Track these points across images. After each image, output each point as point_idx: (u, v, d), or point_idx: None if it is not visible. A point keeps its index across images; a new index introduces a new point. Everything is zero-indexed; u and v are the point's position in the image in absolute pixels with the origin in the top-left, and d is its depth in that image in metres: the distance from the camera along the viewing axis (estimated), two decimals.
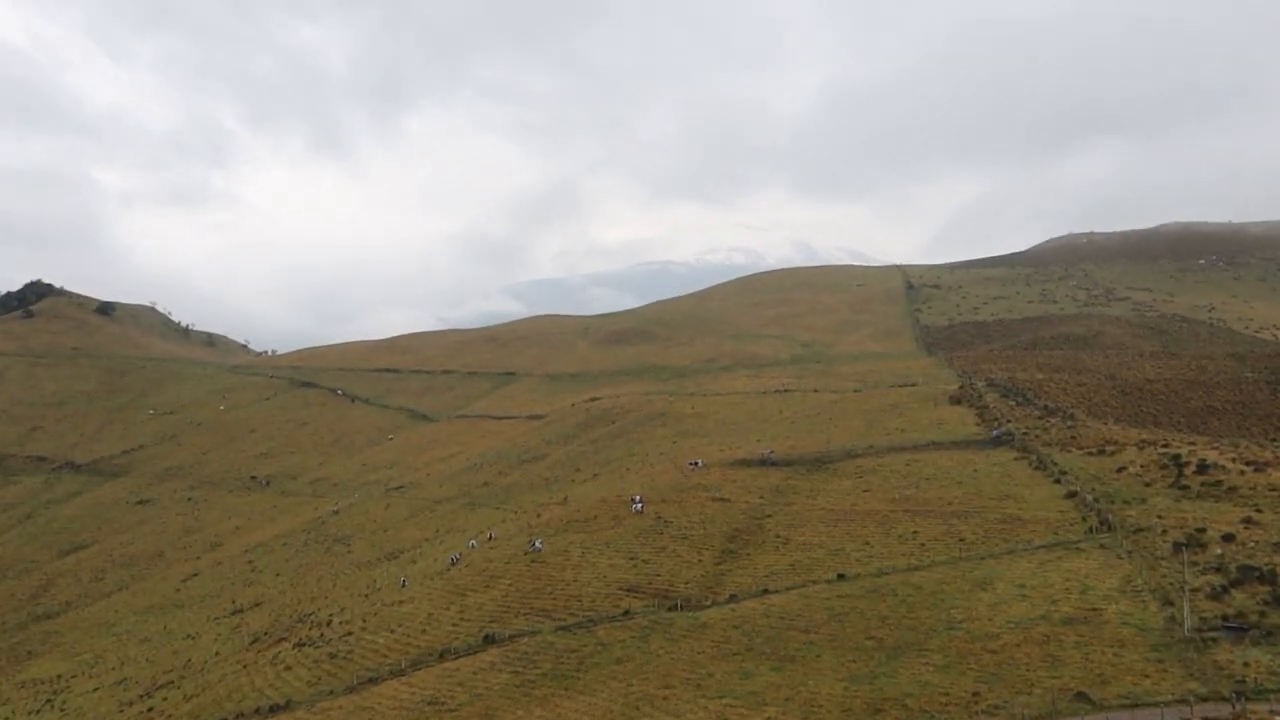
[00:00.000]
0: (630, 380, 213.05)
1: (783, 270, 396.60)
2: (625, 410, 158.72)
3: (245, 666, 78.99)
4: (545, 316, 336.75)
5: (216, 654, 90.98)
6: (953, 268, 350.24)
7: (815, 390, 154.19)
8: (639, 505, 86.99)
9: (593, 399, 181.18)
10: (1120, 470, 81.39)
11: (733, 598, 64.82)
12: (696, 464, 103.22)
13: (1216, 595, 52.96)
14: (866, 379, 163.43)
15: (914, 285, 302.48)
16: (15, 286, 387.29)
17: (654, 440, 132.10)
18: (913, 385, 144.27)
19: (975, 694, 45.81)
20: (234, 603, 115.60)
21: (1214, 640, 48.56)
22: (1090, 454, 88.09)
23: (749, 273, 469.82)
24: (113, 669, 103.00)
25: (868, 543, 71.72)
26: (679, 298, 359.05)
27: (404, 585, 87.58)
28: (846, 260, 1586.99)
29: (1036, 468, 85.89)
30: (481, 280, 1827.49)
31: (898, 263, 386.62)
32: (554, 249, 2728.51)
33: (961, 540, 69.47)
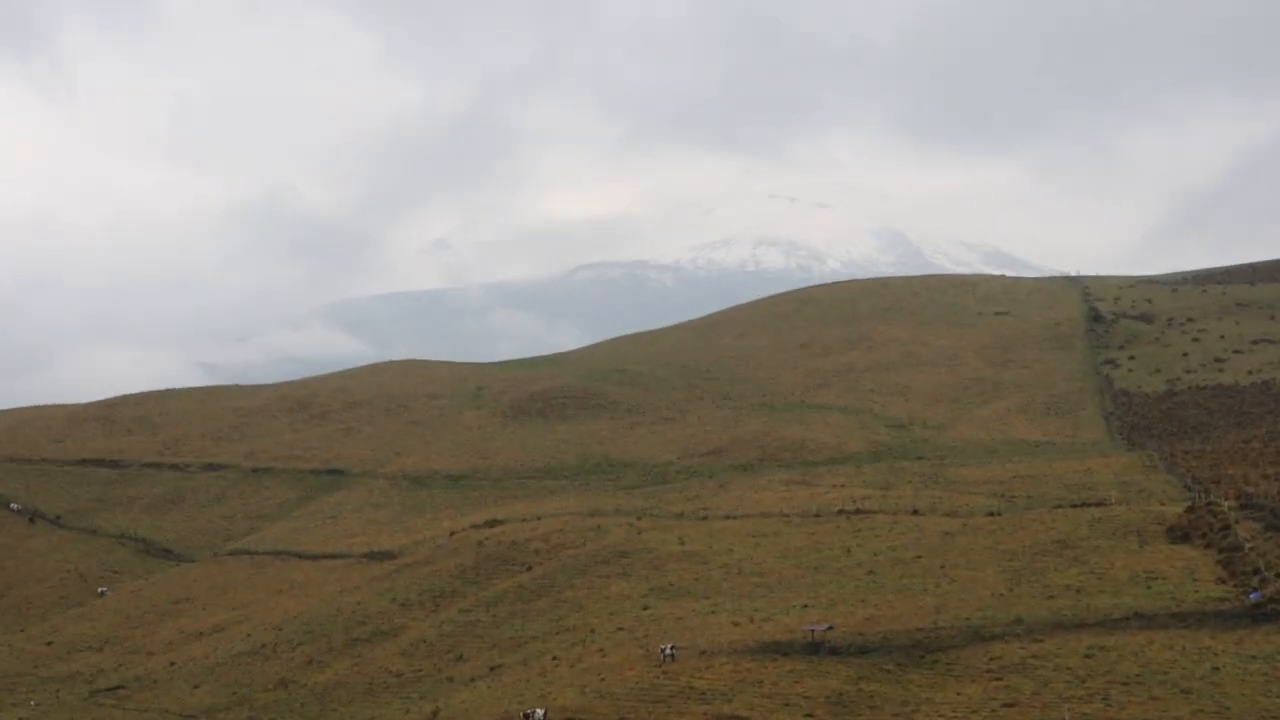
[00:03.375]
0: (563, 488, 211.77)
1: (857, 283, 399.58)
2: (553, 545, 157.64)
3: None
4: (406, 364, 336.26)
5: None
6: (1178, 283, 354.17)
7: (914, 512, 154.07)
8: None
9: (491, 523, 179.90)
10: None
11: None
12: (668, 652, 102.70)
13: None
14: (1011, 491, 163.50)
15: (1103, 316, 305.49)
16: None
17: (606, 603, 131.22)
18: (1099, 505, 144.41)
19: None
20: None
21: None
22: None
23: (794, 285, 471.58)
24: None
25: None
26: (660, 330, 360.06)
27: None
28: (977, 266, 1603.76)
29: None
30: (287, 294, 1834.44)
31: (1074, 272, 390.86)
32: (431, 235, 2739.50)
33: None
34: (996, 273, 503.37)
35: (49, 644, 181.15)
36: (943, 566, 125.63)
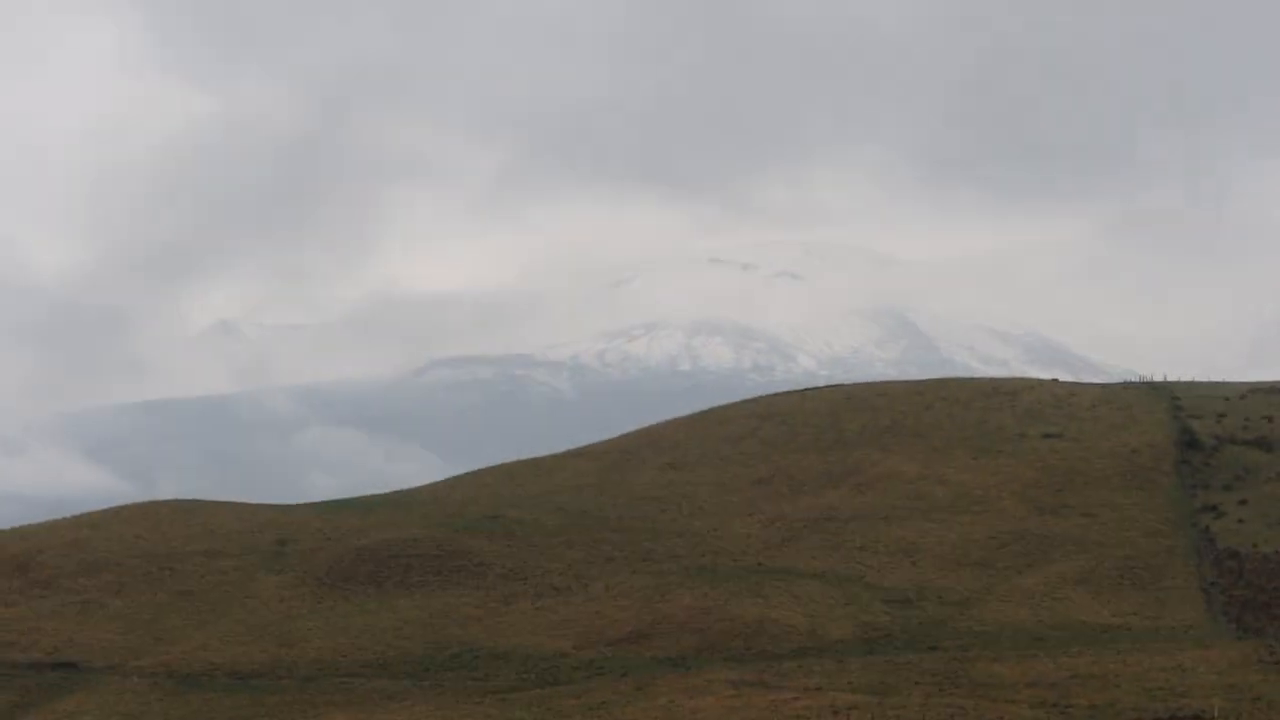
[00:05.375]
0: (406, 691, 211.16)
1: (842, 389, 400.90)
2: None
3: None
4: (174, 506, 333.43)
5: None
6: None
7: None
8: None
9: None
10: None
11: None
12: None
13: None
14: (1068, 699, 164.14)
15: (1201, 440, 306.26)
16: None
17: None
18: (1199, 719, 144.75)
19: None
20: None
21: None
22: None
23: (749, 392, 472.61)
24: None
25: None
26: (551, 458, 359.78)
27: None
28: (1018, 366, 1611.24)
29: None
30: None
31: (1158, 376, 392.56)
32: (215, 315, 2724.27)
33: None
34: (1045, 376, 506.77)
35: None
36: None
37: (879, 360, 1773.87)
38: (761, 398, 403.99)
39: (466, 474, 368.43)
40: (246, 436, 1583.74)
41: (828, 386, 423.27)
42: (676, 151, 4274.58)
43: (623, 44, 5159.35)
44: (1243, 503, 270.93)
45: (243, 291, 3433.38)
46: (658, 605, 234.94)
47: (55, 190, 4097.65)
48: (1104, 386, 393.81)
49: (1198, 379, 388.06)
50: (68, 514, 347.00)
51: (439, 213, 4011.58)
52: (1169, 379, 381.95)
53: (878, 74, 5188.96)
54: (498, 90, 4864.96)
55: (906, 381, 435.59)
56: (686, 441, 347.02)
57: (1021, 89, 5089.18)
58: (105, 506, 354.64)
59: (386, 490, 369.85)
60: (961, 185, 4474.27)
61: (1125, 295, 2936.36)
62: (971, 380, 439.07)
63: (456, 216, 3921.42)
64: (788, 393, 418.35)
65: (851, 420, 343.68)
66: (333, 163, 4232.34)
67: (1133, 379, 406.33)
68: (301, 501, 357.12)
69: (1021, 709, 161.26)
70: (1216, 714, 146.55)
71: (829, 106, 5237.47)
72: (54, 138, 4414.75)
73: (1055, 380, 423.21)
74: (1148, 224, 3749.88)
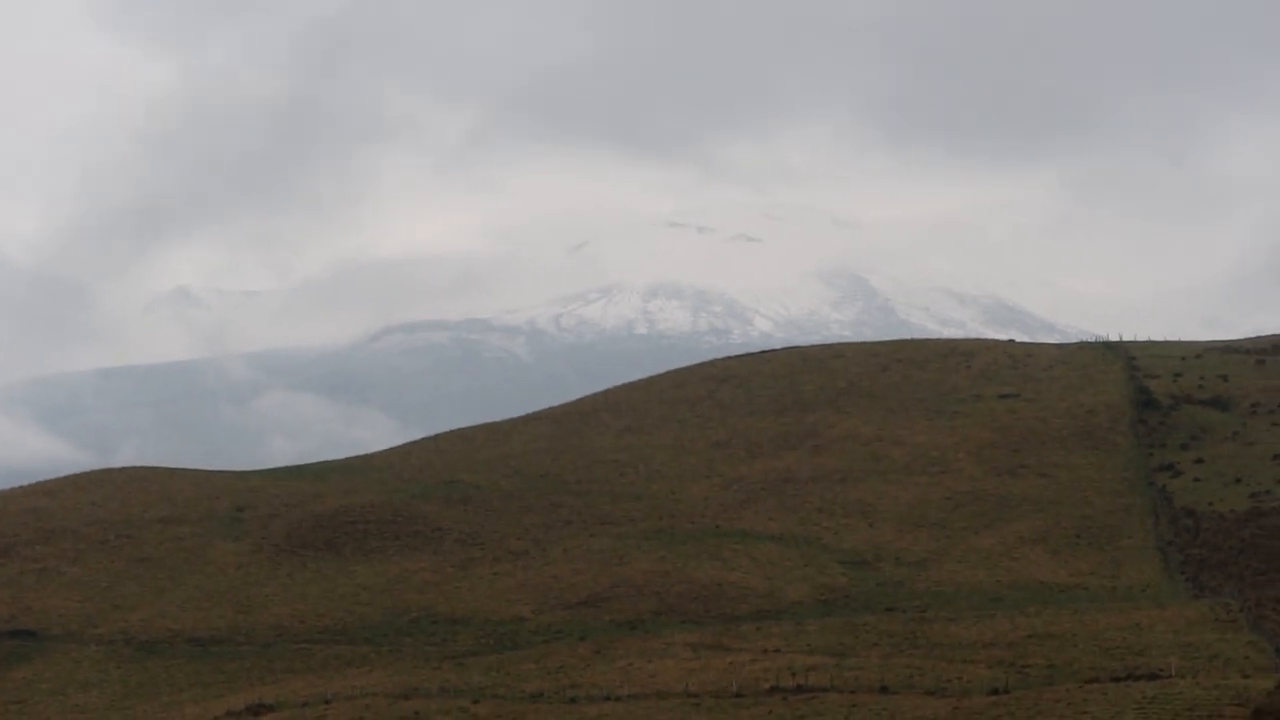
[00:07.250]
0: (364, 656, 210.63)
1: (799, 351, 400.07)
2: None
3: None
4: (132, 473, 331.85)
5: None
6: (1267, 352, 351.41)
7: (882, 689, 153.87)
8: None
9: (257, 710, 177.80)
10: None
11: None
12: None
13: None
14: (1024, 659, 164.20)
15: (1158, 400, 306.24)
16: None
17: None
18: (1152, 678, 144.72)
19: None
20: None
21: None
22: None
23: (705, 355, 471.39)
24: None
25: None
26: (507, 423, 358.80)
27: None
28: (975, 327, 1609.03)
29: None
30: None
31: (1114, 335, 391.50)
32: (184, 278, 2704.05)
33: None
34: (1001, 336, 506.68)
35: None
36: None
37: (835, 322, 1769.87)
38: (718, 360, 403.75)
39: (423, 439, 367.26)
40: (206, 402, 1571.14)
41: (784, 349, 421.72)
42: (644, 114, 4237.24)
43: (590, 7, 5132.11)
44: (1199, 461, 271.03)
45: (203, 258, 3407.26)
46: (616, 569, 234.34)
47: (13, 155, 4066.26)
48: (1060, 347, 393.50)
49: (1153, 338, 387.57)
50: (23, 481, 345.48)
51: (405, 177, 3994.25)
52: (1125, 338, 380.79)
53: (844, 32, 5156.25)
54: (466, 53, 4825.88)
55: (863, 343, 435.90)
56: (643, 405, 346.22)
57: (988, 47, 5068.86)
58: (61, 475, 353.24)
59: (342, 456, 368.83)
60: (926, 145, 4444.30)
61: (1084, 256, 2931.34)
62: (928, 341, 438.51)
63: (423, 180, 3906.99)
64: (744, 355, 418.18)
65: (808, 382, 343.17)
66: (298, 128, 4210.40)
67: (1088, 338, 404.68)
68: (261, 467, 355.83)
69: (979, 669, 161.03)
70: (1173, 672, 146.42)
71: (795, 65, 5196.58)
72: (15, 102, 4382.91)
73: (1012, 341, 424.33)
74: (1109, 183, 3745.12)
